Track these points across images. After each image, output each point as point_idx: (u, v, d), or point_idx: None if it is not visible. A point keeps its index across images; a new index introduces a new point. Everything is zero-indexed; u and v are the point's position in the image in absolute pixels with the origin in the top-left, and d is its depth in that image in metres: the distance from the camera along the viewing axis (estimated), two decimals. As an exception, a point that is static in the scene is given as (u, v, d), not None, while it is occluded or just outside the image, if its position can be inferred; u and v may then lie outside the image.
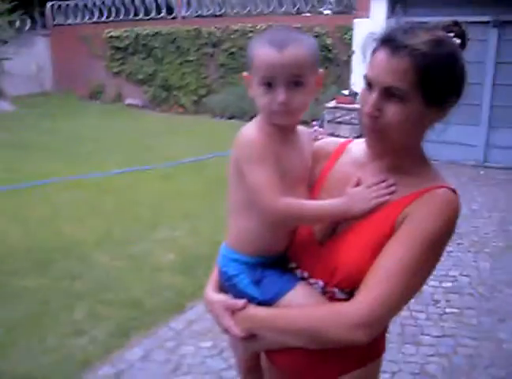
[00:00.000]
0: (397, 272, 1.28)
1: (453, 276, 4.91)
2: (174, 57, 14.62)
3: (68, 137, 10.82)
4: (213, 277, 1.59)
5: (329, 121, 9.86)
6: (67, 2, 16.24)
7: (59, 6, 16.51)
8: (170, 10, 15.04)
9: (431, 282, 4.64)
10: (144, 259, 5.15)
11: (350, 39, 11.45)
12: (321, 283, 1.42)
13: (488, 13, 9.34)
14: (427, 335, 3.92)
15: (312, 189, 1.52)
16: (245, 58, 1.45)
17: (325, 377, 1.49)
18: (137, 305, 4.27)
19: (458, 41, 1.33)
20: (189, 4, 14.76)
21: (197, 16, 14.70)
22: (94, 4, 15.74)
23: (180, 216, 6.39)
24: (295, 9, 13.47)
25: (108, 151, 9.72)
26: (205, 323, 3.87)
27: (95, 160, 8.94)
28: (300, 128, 1.53)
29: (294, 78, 1.35)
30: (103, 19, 15.70)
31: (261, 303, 1.43)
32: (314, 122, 8.87)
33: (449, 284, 4.76)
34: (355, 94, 9.38)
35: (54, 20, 16.77)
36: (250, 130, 1.41)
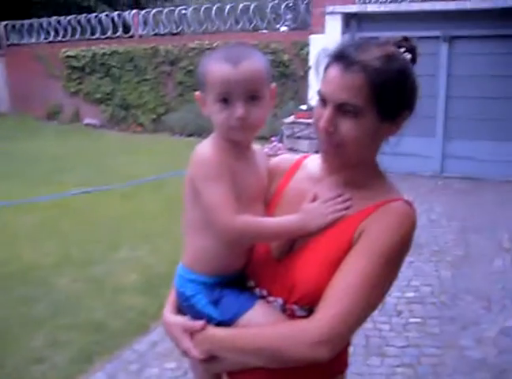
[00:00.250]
0: (357, 287, 1.27)
1: (416, 286, 4.96)
2: (131, 75, 14.56)
3: (25, 159, 10.62)
4: (171, 298, 1.56)
5: (287, 137, 9.94)
6: (22, 22, 16.02)
7: (13, 26, 16.28)
8: (127, 29, 14.99)
9: (394, 292, 4.68)
10: (106, 280, 5.05)
11: (306, 55, 11.61)
12: (280, 300, 1.40)
13: (438, 28, 9.62)
14: (392, 346, 3.94)
15: (268, 206, 1.51)
16: (197, 77, 1.43)
17: None
18: (99, 328, 4.17)
19: (409, 56, 1.34)
20: (145, 23, 14.74)
21: (155, 35, 14.70)
22: (49, 23, 15.58)
23: (141, 236, 6.32)
24: (252, 26, 13.58)
25: (66, 171, 9.58)
26: (168, 343, 3.76)
27: (53, 181, 8.78)
28: (255, 146, 1.52)
29: (250, 93, 1.35)
30: (59, 38, 15.55)
31: (220, 323, 1.40)
32: (273, 138, 8.92)
33: (412, 294, 4.80)
34: (313, 108, 9.47)
35: (8, 39, 16.52)
36: (205, 148, 1.39)
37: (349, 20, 10.51)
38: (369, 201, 1.36)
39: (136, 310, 4.46)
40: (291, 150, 9.55)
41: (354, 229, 1.33)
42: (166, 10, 14.66)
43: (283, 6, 13.42)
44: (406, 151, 7.20)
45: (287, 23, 13.93)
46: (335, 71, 1.30)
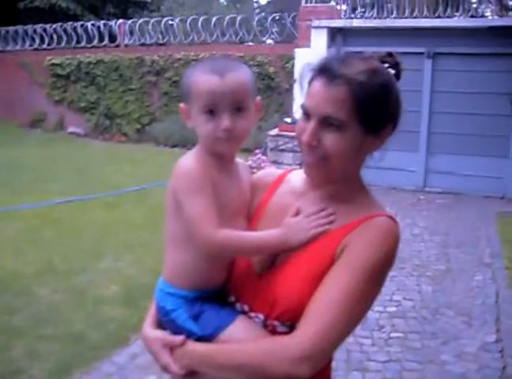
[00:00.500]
0: (339, 302, 1.25)
1: (397, 301, 4.98)
2: (116, 85, 14.53)
3: (7, 166, 10.50)
4: (151, 312, 1.54)
5: (271, 149, 9.96)
6: (7, 28, 15.92)
7: (-2, 32, 16.20)
8: (112, 38, 14.97)
9: (376, 307, 4.69)
10: (87, 291, 5.00)
11: (292, 68, 11.67)
12: (261, 316, 1.38)
13: (422, 45, 9.75)
14: (373, 360, 3.94)
15: (250, 220, 1.50)
16: (182, 89, 1.43)
17: None
18: (79, 339, 4.12)
19: (393, 71, 1.35)
20: (132, 32, 14.74)
21: (141, 45, 14.70)
22: (35, 31, 15.50)
23: (124, 246, 6.27)
24: (238, 38, 13.65)
25: (50, 180, 9.49)
26: (149, 356, 3.71)
27: (35, 190, 8.69)
28: (238, 160, 1.52)
29: (236, 104, 1.35)
30: (45, 46, 15.47)
31: (200, 338, 1.38)
32: (257, 150, 8.96)
33: (394, 309, 4.82)
34: (296, 123, 9.52)
35: (-8, 46, 16.43)
36: (188, 160, 1.38)
37: (335, 34, 10.61)
38: (352, 216, 1.35)
39: (116, 322, 4.42)
40: (275, 163, 9.58)
41: (337, 244, 1.32)
42: (152, 20, 14.68)
43: (269, 19, 13.51)
44: (389, 166, 7.26)
45: (273, 36, 13.99)
46: (319, 84, 1.30)
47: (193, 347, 1.37)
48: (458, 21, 10.04)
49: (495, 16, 11.82)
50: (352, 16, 11.71)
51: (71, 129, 15.13)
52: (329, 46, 10.37)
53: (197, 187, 1.33)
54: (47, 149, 12.59)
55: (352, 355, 3.98)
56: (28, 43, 15.79)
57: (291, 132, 9.64)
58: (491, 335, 4.37)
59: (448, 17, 10.55)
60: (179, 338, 1.39)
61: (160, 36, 14.46)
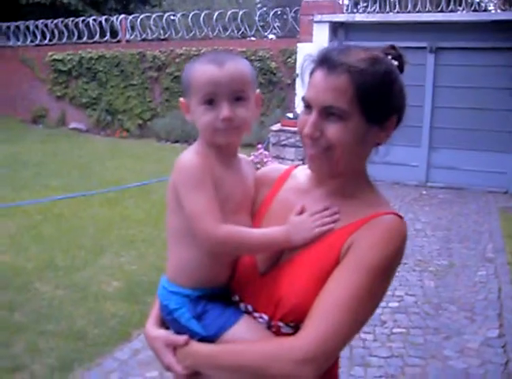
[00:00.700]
0: (344, 303, 1.23)
1: (400, 296, 4.97)
2: (118, 80, 14.51)
3: (9, 162, 10.51)
4: (154, 311, 1.52)
5: (273, 144, 9.94)
6: (8, 24, 15.90)
7: (0, 28, 16.16)
8: (114, 34, 14.94)
9: (378, 302, 4.67)
10: (89, 287, 4.99)
11: (294, 63, 11.64)
12: (265, 316, 1.36)
13: (425, 39, 9.71)
14: (375, 356, 3.93)
15: (254, 217, 1.47)
16: (182, 83, 1.42)
17: None
18: (80, 335, 4.12)
19: (396, 63, 1.32)
20: (133, 28, 14.71)
21: (142, 40, 14.67)
22: (36, 26, 15.47)
23: (125, 242, 6.26)
24: (240, 33, 13.61)
25: (51, 176, 9.49)
26: (151, 352, 3.75)
27: (37, 186, 8.69)
28: (242, 155, 1.50)
29: (236, 93, 1.33)
30: (46, 42, 15.44)
31: (204, 338, 1.36)
32: (260, 145, 8.94)
33: (396, 304, 4.81)
34: (298, 116, 9.51)
35: (-7, 42, 16.41)
36: (189, 155, 1.37)
37: (337, 28, 10.57)
38: (358, 214, 1.32)
39: (118, 318, 4.41)
40: (277, 158, 9.56)
41: (342, 243, 1.29)
42: (154, 16, 14.65)
43: (271, 14, 13.47)
44: (392, 161, 7.24)
45: (275, 31, 13.97)
46: (319, 75, 1.28)
47: (197, 347, 1.35)
48: (461, 15, 10.00)
49: (498, 10, 11.77)
50: (355, 10, 11.67)
51: (73, 124, 15.13)
52: (331, 41, 10.32)
53: (198, 181, 1.31)
54: (48, 145, 12.59)
55: (354, 351, 3.97)
56: (29, 39, 15.76)
57: (294, 127, 9.62)
58: (494, 330, 4.36)
59: (451, 11, 10.51)
60: (182, 338, 1.37)
61: (162, 31, 14.43)
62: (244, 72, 1.36)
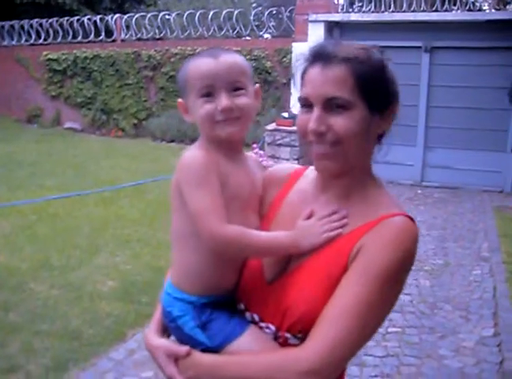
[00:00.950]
0: (352, 310, 1.18)
1: (395, 295, 4.96)
2: (113, 80, 14.47)
3: (4, 162, 10.47)
4: (155, 318, 1.47)
5: (269, 144, 9.93)
6: (2, 23, 15.84)
7: (-6, 27, 16.11)
8: (109, 33, 14.90)
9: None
10: (84, 287, 4.98)
11: (289, 63, 11.63)
12: (272, 327, 1.32)
13: (420, 39, 9.73)
14: (371, 355, 3.93)
15: (263, 219, 1.43)
16: (178, 82, 1.40)
17: None
18: (75, 335, 4.11)
19: None
20: (128, 27, 14.67)
21: (137, 40, 14.63)
22: (31, 25, 15.41)
23: (120, 242, 6.25)
24: (235, 32, 13.60)
25: (46, 175, 9.47)
26: (145, 352, 3.74)
27: (32, 185, 8.67)
28: (248, 153, 1.47)
29: (234, 84, 1.31)
30: (41, 41, 15.39)
31: (208, 348, 1.32)
32: (255, 145, 8.92)
33: (391, 303, 4.80)
34: (295, 116, 9.51)
35: (-12, 41, 16.34)
36: (192, 152, 1.32)
37: (332, 28, 10.57)
38: (368, 216, 1.28)
39: (113, 318, 4.41)
40: (273, 157, 9.56)
41: (350, 248, 1.25)
42: (149, 15, 14.62)
43: (266, 13, 13.46)
44: (387, 160, 7.23)
45: (270, 30, 13.95)
46: (315, 70, 1.26)
47: (200, 357, 1.31)
48: (456, 15, 10.00)
49: (493, 10, 11.79)
50: (350, 10, 11.67)
51: (68, 124, 15.08)
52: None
53: (202, 178, 1.27)
54: (43, 144, 12.56)
55: (349, 350, 3.96)
56: (24, 38, 15.69)
57: (289, 126, 9.64)
58: (489, 329, 4.37)
59: (445, 11, 10.52)
60: (184, 349, 1.32)
61: (157, 31, 14.40)
62: (240, 63, 1.35)
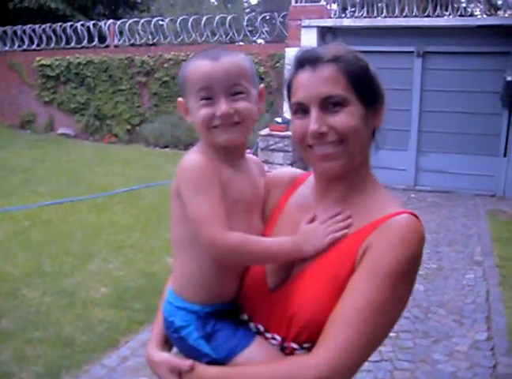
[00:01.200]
0: (361, 313, 1.15)
1: (389, 300, 4.96)
2: (106, 86, 14.45)
3: (-4, 168, 10.43)
4: (155, 330, 1.43)
5: (262, 149, 9.94)
6: (-5, 29, 15.81)
7: (-14, 33, 16.06)
8: (102, 39, 14.89)
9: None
10: (77, 293, 4.96)
11: (282, 68, 11.65)
12: (278, 337, 1.29)
13: (412, 44, 9.78)
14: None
15: (266, 223, 1.42)
16: (178, 86, 1.39)
17: None
18: (68, 342, 4.09)
19: None
20: (121, 33, 14.67)
21: (131, 45, 14.62)
22: (24, 31, 15.37)
23: (113, 248, 6.22)
24: (228, 38, 13.61)
25: (39, 181, 9.43)
26: (139, 358, 3.75)
27: (25, 191, 8.63)
28: (251, 156, 1.45)
29: (233, 88, 1.28)
30: (34, 47, 15.35)
31: (213, 360, 1.28)
32: (248, 150, 8.92)
33: (385, 308, 4.80)
34: (289, 121, 9.53)
35: (-20, 47, 16.29)
36: (192, 156, 1.29)
37: (325, 33, 10.60)
38: (372, 215, 1.26)
39: (106, 324, 4.39)
40: (266, 162, 9.55)
41: (357, 248, 1.22)
42: (142, 21, 14.61)
43: (259, 19, 13.48)
44: (380, 164, 7.23)
45: (263, 35, 13.96)
46: (305, 74, 1.27)
47: (204, 370, 1.27)
48: (448, 20, 10.05)
49: (484, 15, 11.84)
50: (342, 15, 11.70)
51: (61, 130, 15.04)
52: (319, 46, 10.35)
53: (203, 183, 1.24)
54: (36, 150, 12.51)
55: (343, 355, 3.95)
56: (17, 44, 15.65)
57: (282, 131, 9.65)
58: (482, 333, 4.38)
59: (437, 16, 10.56)
60: (188, 363, 1.28)
61: (150, 37, 14.39)
62: (241, 65, 1.31)
